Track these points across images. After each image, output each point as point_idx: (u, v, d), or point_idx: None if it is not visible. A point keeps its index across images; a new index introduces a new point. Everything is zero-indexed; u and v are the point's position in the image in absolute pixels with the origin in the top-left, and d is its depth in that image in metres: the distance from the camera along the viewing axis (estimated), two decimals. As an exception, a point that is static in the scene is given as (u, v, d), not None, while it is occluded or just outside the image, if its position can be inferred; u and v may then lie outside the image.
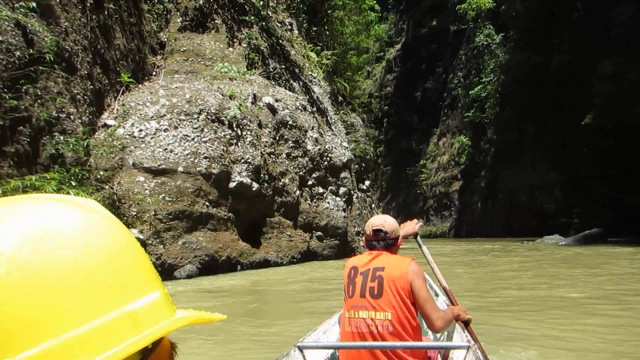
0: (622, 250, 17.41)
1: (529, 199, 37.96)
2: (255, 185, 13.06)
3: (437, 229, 46.78)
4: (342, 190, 16.54)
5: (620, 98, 31.13)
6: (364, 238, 2.88)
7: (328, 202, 15.97)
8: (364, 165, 21.55)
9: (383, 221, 2.80)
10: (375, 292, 2.57)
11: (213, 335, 5.52)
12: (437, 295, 4.30)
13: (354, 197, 17.65)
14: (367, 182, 21.93)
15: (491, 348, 4.27)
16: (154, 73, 14.31)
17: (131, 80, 12.58)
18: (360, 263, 2.72)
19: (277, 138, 14.61)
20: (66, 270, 0.49)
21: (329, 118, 17.50)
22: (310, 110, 16.27)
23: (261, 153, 13.62)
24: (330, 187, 16.23)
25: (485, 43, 42.43)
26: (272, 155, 14.11)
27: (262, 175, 13.54)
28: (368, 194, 22.37)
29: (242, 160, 12.92)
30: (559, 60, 36.25)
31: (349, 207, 17.13)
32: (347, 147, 17.38)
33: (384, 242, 2.75)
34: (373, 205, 22.69)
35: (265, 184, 13.73)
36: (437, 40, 49.42)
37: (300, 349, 2.61)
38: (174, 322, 0.53)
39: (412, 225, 3.43)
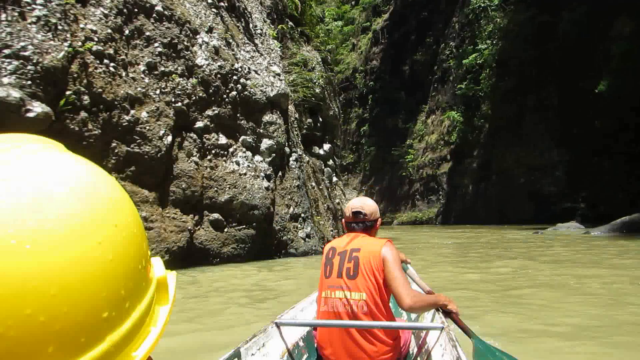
0: None
1: (526, 182, 30.96)
2: (37, 108, 5.68)
3: (423, 215, 40.09)
4: (265, 144, 9.20)
5: (640, 61, 24.21)
6: (343, 220, 2.76)
7: (236, 163, 8.62)
8: (320, 119, 14.10)
9: (363, 203, 2.68)
10: (350, 273, 2.46)
11: None
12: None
13: (291, 158, 10.27)
14: (326, 145, 14.50)
15: None
16: None
17: None
18: (339, 244, 2.59)
19: (129, 33, 7.21)
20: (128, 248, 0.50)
21: (251, 27, 10.03)
22: (211, 2, 8.78)
23: (71, 47, 6.19)
24: (242, 138, 8.86)
25: (483, 5, 34.97)
26: (106, 62, 6.69)
27: (72, 93, 6.14)
28: (329, 163, 14.95)
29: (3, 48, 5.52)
30: (569, 19, 28.95)
31: (279, 174, 9.76)
32: (279, 76, 9.90)
33: (363, 224, 2.64)
34: (335, 179, 15.25)
35: (85, 114, 6.34)
36: (428, 6, 41.90)
37: (278, 325, 2.56)
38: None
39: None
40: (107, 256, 0.46)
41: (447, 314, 2.58)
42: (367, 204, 2.68)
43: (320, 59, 14.09)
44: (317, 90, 13.43)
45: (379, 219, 2.73)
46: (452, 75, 39.38)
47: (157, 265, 0.57)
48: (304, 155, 11.86)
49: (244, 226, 8.69)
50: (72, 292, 0.43)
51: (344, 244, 2.57)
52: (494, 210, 31.80)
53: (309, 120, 13.73)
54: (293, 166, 10.37)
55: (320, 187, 13.47)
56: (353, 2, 49.20)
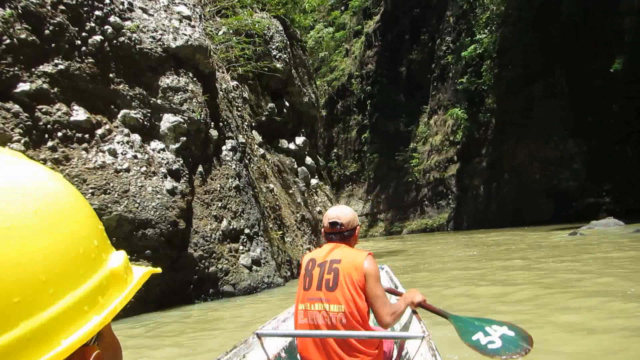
0: None
1: (542, 177, 27.16)
2: None
3: (434, 222, 36.33)
4: (168, 121, 5.60)
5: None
6: (322, 230, 2.64)
7: (110, 153, 5.09)
8: (287, 105, 10.48)
9: (339, 212, 2.58)
10: (330, 285, 2.38)
11: None
12: (396, 286, 3.67)
13: (224, 147, 6.63)
14: (299, 139, 10.86)
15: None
16: None
17: None
18: (319, 255, 2.51)
19: None
20: (60, 233, 0.47)
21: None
22: None
23: None
24: (123, 112, 5.27)
25: (477, -6, 31.62)
26: None
27: None
28: (308, 162, 11.31)
29: None
30: (572, -5, 25.63)
31: (200, 170, 6.09)
32: (190, 21, 6.25)
33: (340, 234, 2.54)
34: (316, 181, 11.55)
35: None
36: (420, 3, 38.64)
37: (259, 336, 2.48)
38: (146, 274, 0.58)
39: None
40: (17, 241, 0.43)
41: (419, 305, 2.55)
42: (343, 213, 2.57)
43: (280, 27, 10.46)
44: (279, 65, 9.81)
45: (357, 227, 2.61)
46: (451, 71, 35.92)
47: (116, 257, 0.54)
48: (256, 147, 8.19)
49: (130, 256, 4.97)
50: None
51: (323, 254, 2.47)
52: (509, 211, 28.25)
53: (271, 104, 10.08)
54: (227, 158, 6.74)
55: (291, 191, 9.79)
56: (343, 8, 45.95)
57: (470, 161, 32.90)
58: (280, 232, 8.14)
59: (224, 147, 6.85)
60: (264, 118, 9.66)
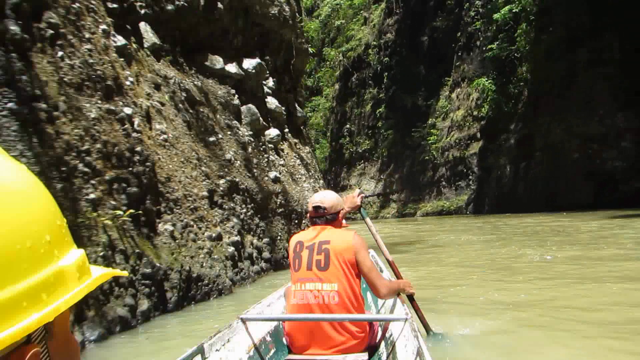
0: None
1: (582, 157, 22.35)
2: None
3: (451, 204, 31.76)
4: None
5: None
6: (307, 215, 2.70)
7: None
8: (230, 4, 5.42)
9: (322, 197, 2.58)
10: (321, 265, 2.37)
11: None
12: (381, 270, 3.65)
13: None
14: (249, 61, 6.41)
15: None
16: None
17: None
18: (306, 238, 2.51)
19: None
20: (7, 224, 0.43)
21: None
22: None
23: None
24: None
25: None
26: None
27: None
28: (273, 105, 6.19)
29: None
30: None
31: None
32: None
33: (324, 217, 2.54)
34: (276, 132, 6.52)
35: None
36: (448, -37, 33.05)
37: (243, 320, 2.38)
38: (103, 276, 0.52)
39: (352, 199, 2.99)
40: None
41: (409, 297, 2.65)
42: (326, 198, 2.56)
43: None
44: None
45: (341, 211, 2.59)
46: (479, 39, 30.41)
47: (72, 255, 0.48)
48: (106, 33, 3.27)
49: None
50: None
51: (311, 237, 2.45)
52: (539, 194, 23.72)
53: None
54: None
55: (213, 139, 4.97)
56: (363, -28, 40.48)
57: (495, 138, 28.12)
58: (132, 212, 3.54)
59: None
60: (171, 7, 4.80)
